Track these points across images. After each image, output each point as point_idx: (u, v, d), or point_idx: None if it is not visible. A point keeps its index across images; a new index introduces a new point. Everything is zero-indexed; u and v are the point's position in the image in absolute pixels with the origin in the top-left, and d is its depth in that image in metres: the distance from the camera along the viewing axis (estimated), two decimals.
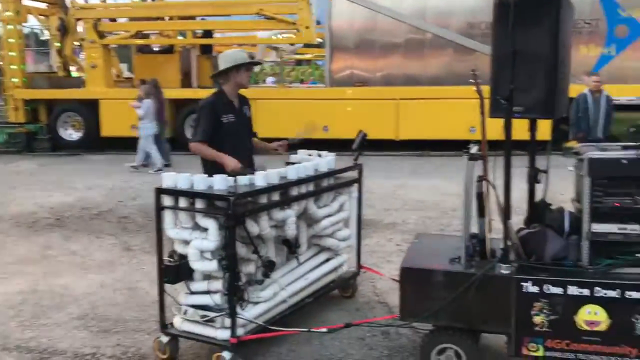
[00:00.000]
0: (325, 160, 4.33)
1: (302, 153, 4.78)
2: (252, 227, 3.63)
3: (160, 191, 3.64)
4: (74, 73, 16.92)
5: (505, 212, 3.17)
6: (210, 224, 3.48)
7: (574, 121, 8.97)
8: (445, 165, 11.84)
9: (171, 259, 3.73)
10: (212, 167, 4.14)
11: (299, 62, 31.15)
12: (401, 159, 12.69)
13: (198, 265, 3.56)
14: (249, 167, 4.30)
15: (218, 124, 4.14)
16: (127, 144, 13.02)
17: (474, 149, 3.42)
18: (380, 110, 13.24)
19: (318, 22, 15.93)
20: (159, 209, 3.66)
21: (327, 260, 4.55)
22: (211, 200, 3.52)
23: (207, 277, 3.68)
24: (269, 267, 3.79)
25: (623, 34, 12.50)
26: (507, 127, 3.09)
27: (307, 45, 21.30)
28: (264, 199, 3.70)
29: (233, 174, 3.64)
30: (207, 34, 16.45)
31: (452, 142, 12.89)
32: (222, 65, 4.25)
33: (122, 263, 5.89)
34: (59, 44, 15.42)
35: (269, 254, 3.89)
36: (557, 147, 3.84)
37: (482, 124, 3.31)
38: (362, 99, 13.43)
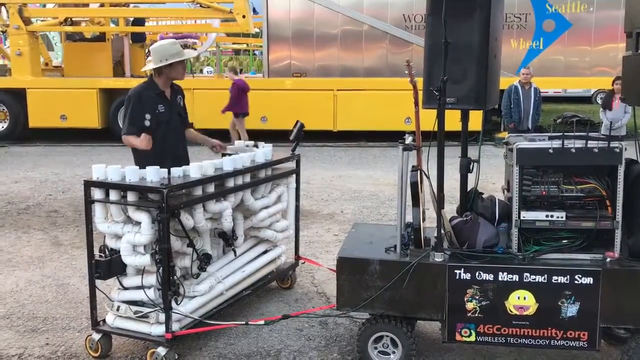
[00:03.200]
0: (262, 151, 4.29)
1: (239, 144, 4.72)
2: (187, 220, 3.56)
3: (89, 184, 3.51)
4: (1, 61, 16.14)
5: (439, 202, 3.23)
6: (143, 217, 3.38)
7: (506, 112, 9.27)
8: (381, 156, 12.00)
9: (102, 254, 3.62)
10: (144, 159, 4.04)
11: (237, 52, 30.85)
12: (339, 149, 12.77)
13: (130, 260, 3.46)
14: (183, 159, 4.22)
15: (146, 115, 4.02)
16: (57, 136, 12.56)
17: (408, 140, 3.46)
18: (318, 101, 13.26)
19: (255, 11, 15.80)
20: (89, 202, 3.53)
21: (265, 252, 4.52)
22: (143, 192, 3.42)
23: (141, 271, 3.58)
24: (204, 260, 3.73)
25: (550, 29, 12.99)
26: (440, 118, 3.15)
27: (245, 35, 21.08)
28: (198, 191, 3.63)
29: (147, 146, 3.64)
30: (139, 21, 15.99)
31: (388, 133, 13.12)
32: (155, 59, 4.13)
33: (51, 259, 5.66)
34: None
35: (204, 247, 3.82)
36: (489, 138, 3.94)
37: (416, 115, 3.35)
38: (300, 90, 13.42)
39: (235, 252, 4.15)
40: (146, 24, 16.34)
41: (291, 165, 4.65)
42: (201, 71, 26.62)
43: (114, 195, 3.47)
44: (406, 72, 3.26)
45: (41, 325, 4.16)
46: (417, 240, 3.41)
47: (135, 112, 4.05)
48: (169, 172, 3.58)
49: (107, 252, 3.62)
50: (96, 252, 3.62)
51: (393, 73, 13.24)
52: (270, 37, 13.79)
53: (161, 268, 3.39)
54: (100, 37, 15.17)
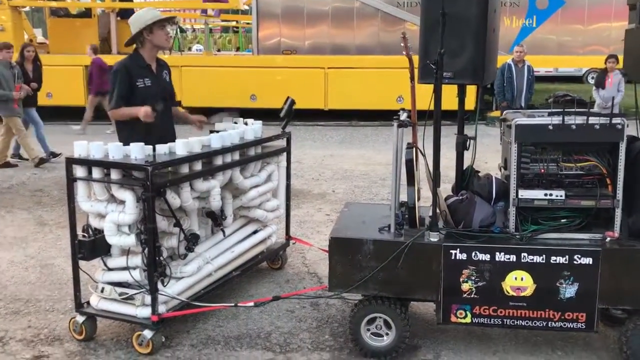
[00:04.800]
0: (252, 128, 4.15)
1: (227, 121, 4.57)
2: (173, 199, 3.43)
3: (71, 161, 3.36)
4: None
5: (435, 180, 3.12)
6: (127, 196, 3.25)
7: (499, 90, 9.15)
8: (373, 134, 11.88)
9: (85, 234, 3.49)
10: (129, 136, 3.89)
11: (225, 29, 30.39)
12: (330, 128, 12.63)
13: (115, 240, 3.33)
14: (169, 136, 4.07)
15: (133, 88, 3.86)
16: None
17: (403, 116, 3.34)
18: (308, 79, 13.07)
19: None
20: (71, 180, 3.39)
21: (255, 232, 4.41)
22: (127, 170, 3.29)
23: (126, 252, 3.47)
24: (192, 240, 3.61)
25: (543, 6, 12.82)
26: (437, 92, 3.02)
27: (234, 12, 20.73)
28: (185, 169, 3.50)
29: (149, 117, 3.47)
30: None
31: (380, 112, 12.97)
32: (134, 29, 3.97)
33: (35, 239, 5.52)
34: None
35: (192, 227, 3.70)
36: (482, 117, 3.83)
37: (412, 90, 3.22)
38: (290, 67, 13.21)
39: (224, 232, 4.03)
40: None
41: (282, 143, 4.52)
42: (190, 49, 26.21)
43: (96, 173, 3.33)
44: (402, 44, 3.12)
45: (23, 308, 4.04)
46: (411, 219, 3.30)
47: (123, 85, 3.89)
48: (154, 149, 3.44)
49: (90, 232, 3.49)
50: (79, 232, 3.49)
51: (385, 51, 13.06)
52: (260, 13, 13.54)
53: (146, 249, 3.27)
54: (86, 13, 14.84)
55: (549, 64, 16.35)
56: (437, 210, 3.21)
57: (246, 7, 16.40)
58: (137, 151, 3.33)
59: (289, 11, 13.48)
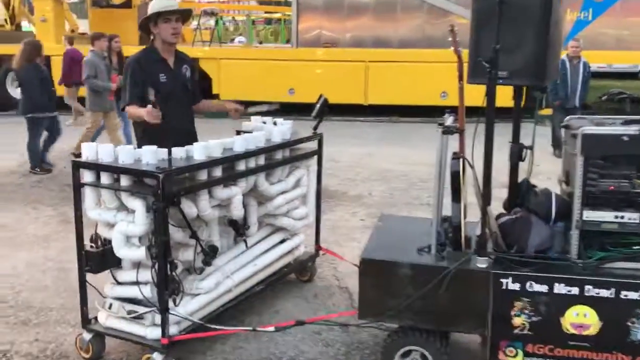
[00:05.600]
0: (280, 130, 3.79)
1: (255, 120, 4.22)
2: (189, 208, 3.09)
3: (78, 165, 3.06)
4: (29, 27, 15.87)
5: (485, 196, 2.69)
6: (137, 204, 2.93)
7: (552, 88, 8.53)
8: (414, 132, 11.37)
9: (94, 244, 3.19)
10: (143, 135, 3.59)
11: (269, 21, 30.13)
12: (369, 124, 12.18)
13: (123, 252, 3.02)
14: (188, 137, 3.74)
15: (146, 84, 3.54)
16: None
17: (449, 120, 2.92)
18: (348, 73, 12.64)
19: None
20: (78, 185, 3.08)
21: (282, 241, 4.05)
22: (138, 176, 2.96)
23: (137, 265, 3.15)
24: (210, 253, 3.27)
25: None
26: (490, 95, 2.59)
27: (277, 3, 20.42)
28: (203, 175, 3.15)
29: (154, 118, 3.17)
30: None
31: (423, 107, 12.45)
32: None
33: (57, 239, 5.30)
34: None
35: (211, 238, 3.37)
36: (530, 115, 3.35)
37: (460, 91, 2.79)
38: (330, 61, 12.79)
39: (246, 243, 3.68)
40: None
41: (312, 145, 4.14)
42: (232, 40, 26.04)
43: (105, 178, 3.02)
44: (449, 39, 2.69)
45: (33, 317, 3.78)
46: (456, 240, 2.88)
47: (137, 80, 3.57)
48: (169, 153, 3.11)
49: (99, 242, 3.19)
50: (87, 241, 3.20)
51: (429, 44, 12.52)
52: (300, 5, 13.16)
53: (157, 264, 2.94)
54: (127, 4, 14.74)
55: (604, 60, 15.47)
56: (487, 231, 2.77)
57: None
58: (149, 155, 3.00)
59: (330, 3, 13.07)
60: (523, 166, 3.06)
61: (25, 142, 7.94)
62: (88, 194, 3.08)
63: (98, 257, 3.15)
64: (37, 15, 13.82)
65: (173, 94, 3.69)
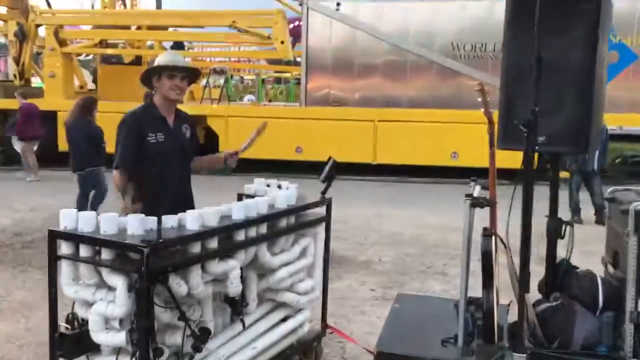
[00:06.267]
0: (284, 194, 3.44)
1: (259, 183, 3.88)
2: (179, 286, 2.71)
3: (54, 235, 2.70)
4: (39, 83, 15.88)
5: (522, 282, 2.30)
6: (119, 282, 2.55)
7: None
8: (424, 193, 11.03)
9: (69, 325, 2.79)
10: (148, 200, 3.26)
11: (278, 80, 30.36)
12: (378, 184, 11.86)
13: (101, 337, 2.62)
14: (184, 202, 3.40)
15: (143, 143, 3.23)
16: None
17: (476, 190, 2.56)
18: (357, 132, 12.45)
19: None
20: (53, 258, 2.72)
21: (285, 319, 3.63)
22: (121, 250, 2.60)
23: (117, 350, 2.74)
24: (201, 336, 2.86)
25: (613, 60, 11.89)
26: (527, 163, 2.23)
27: (287, 63, 20.52)
28: (196, 248, 2.78)
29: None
30: (178, 45, 15.57)
31: (433, 168, 12.15)
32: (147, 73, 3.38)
33: (41, 307, 4.82)
34: (16, 51, 14.33)
35: (203, 318, 2.96)
36: (543, 178, 2.97)
37: (491, 158, 2.45)
38: (339, 120, 12.61)
39: (244, 324, 3.26)
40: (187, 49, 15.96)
41: (320, 211, 3.78)
42: (241, 99, 26.16)
43: (84, 250, 2.65)
44: (479, 99, 2.37)
45: None
46: (486, 330, 2.47)
47: (130, 139, 3.27)
48: (159, 222, 2.76)
49: (75, 323, 2.80)
50: (62, 322, 2.80)
51: (439, 104, 12.35)
52: (310, 65, 13.09)
53: (137, 352, 2.53)
54: (136, 61, 14.77)
55: (615, 122, 15.24)
56: (524, 321, 2.37)
57: (297, 59, 16.05)
58: (136, 225, 2.64)
59: (339, 63, 13.00)
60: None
61: (20, 202, 7.63)
62: (65, 268, 2.71)
63: (73, 341, 2.75)
64: (46, 70, 13.82)
65: (169, 156, 3.37)
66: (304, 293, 3.67)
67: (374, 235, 7.57)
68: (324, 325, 3.93)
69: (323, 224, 3.79)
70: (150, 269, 2.46)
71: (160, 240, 2.56)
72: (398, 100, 12.74)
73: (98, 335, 2.62)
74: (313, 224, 3.69)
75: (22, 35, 13.94)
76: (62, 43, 13.69)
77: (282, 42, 12.60)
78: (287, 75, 25.09)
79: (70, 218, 2.69)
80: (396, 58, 12.72)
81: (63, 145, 13.19)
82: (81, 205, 7.24)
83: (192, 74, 3.44)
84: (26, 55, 14.26)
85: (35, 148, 12.32)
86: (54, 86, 13.69)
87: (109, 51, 14.72)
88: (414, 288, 5.47)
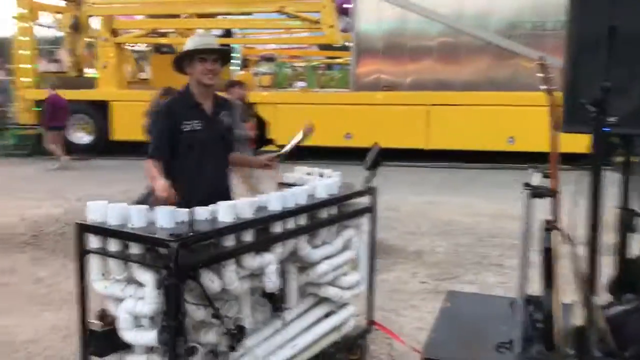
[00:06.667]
0: (325, 184, 3.23)
1: (299, 171, 3.69)
2: (212, 282, 2.55)
3: (82, 228, 2.58)
4: (93, 73, 16.18)
5: (590, 283, 2.02)
6: (148, 278, 2.41)
7: None
8: (479, 179, 10.63)
9: (100, 321, 2.68)
10: (182, 194, 3.12)
11: (329, 66, 30.11)
12: (430, 171, 11.51)
13: (130, 335, 2.50)
14: (222, 192, 3.24)
15: (177, 132, 3.09)
16: (139, 149, 12.21)
17: (536, 177, 2.28)
18: (409, 117, 12.11)
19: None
20: (82, 252, 2.61)
21: (328, 315, 3.44)
22: (149, 244, 2.45)
23: (149, 349, 2.61)
24: (236, 334, 2.70)
25: None
26: (598, 147, 1.95)
27: (338, 49, 20.22)
28: (230, 241, 2.62)
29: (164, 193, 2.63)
30: (227, 33, 15.55)
31: (488, 153, 11.69)
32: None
33: (92, 298, 4.86)
34: (70, 43, 14.63)
35: (240, 315, 2.80)
36: (606, 162, 2.63)
37: (552, 142, 2.17)
38: (390, 104, 12.30)
39: (283, 319, 3.09)
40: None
41: (365, 200, 3.56)
42: (291, 85, 26.06)
43: (113, 245, 2.53)
44: (539, 74, 2.09)
45: None
46: (547, 334, 2.20)
47: (163, 129, 3.13)
48: (192, 214, 2.61)
49: (106, 319, 2.68)
50: (93, 319, 2.70)
51: (495, 87, 11.85)
52: (359, 49, 12.81)
53: (168, 351, 2.39)
54: None
55: None
56: (591, 325, 2.09)
57: (347, 44, 15.77)
58: (166, 217, 2.49)
59: (390, 46, 12.66)
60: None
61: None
62: (93, 262, 2.60)
63: (104, 338, 2.63)
64: (100, 61, 14.04)
65: (206, 145, 3.21)
66: (348, 287, 3.47)
67: (425, 224, 7.29)
68: (370, 321, 3.72)
69: (368, 215, 3.57)
70: (179, 264, 2.31)
71: (190, 234, 2.39)
72: (452, 83, 12.31)
73: (127, 333, 2.50)
74: (357, 215, 3.48)
75: (77, 27, 14.20)
76: (114, 33, 13.86)
77: (331, 27, 12.34)
78: (340, 61, 24.83)
79: (98, 210, 2.56)
80: (450, 40, 12.28)
81: (117, 134, 13.48)
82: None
83: (224, 56, 3.26)
84: (80, 47, 14.53)
85: (60, 137, 12.65)
86: (106, 76, 13.91)
87: (160, 40, 14.81)
88: (467, 280, 5.19)
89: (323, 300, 3.42)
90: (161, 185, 2.75)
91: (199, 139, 3.14)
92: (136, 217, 2.49)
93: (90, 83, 14.85)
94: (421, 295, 4.83)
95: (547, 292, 2.17)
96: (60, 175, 11.44)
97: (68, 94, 14.17)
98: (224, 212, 2.63)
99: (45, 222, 7.41)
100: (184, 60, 3.20)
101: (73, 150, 14.08)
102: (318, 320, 3.36)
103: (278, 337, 3.06)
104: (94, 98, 13.76)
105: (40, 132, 14.40)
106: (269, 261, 2.79)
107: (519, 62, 11.83)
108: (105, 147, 13.72)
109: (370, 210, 3.57)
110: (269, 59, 15.42)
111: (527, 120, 11.58)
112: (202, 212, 2.64)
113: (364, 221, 3.54)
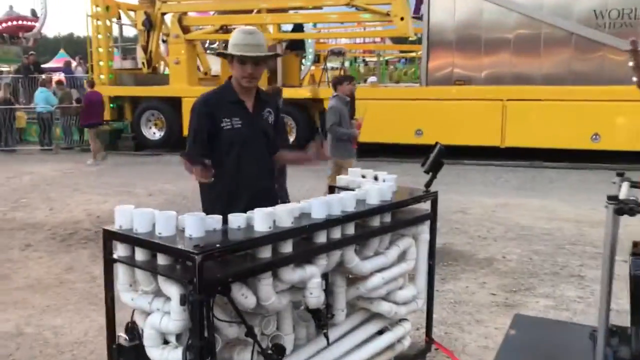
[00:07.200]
0: (377, 188, 2.91)
1: (353, 173, 3.40)
2: (245, 298, 2.30)
3: (109, 235, 2.40)
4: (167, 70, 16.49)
5: None
6: (173, 292, 2.19)
7: None
8: (559, 180, 9.93)
9: (129, 335, 2.50)
10: (208, 194, 2.91)
11: (404, 61, 29.50)
12: (506, 170, 10.87)
13: (156, 354, 2.29)
14: (266, 195, 3.00)
15: (215, 130, 2.86)
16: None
17: (623, 189, 1.88)
18: (483, 112, 11.51)
19: (420, 18, 14.36)
20: (109, 261, 2.42)
21: (381, 332, 3.13)
22: (174, 255, 2.23)
23: None
24: (273, 354, 2.45)
25: None
26: None
27: (411, 42, 19.69)
28: (266, 252, 2.36)
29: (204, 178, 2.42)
30: (298, 27, 15.41)
31: (570, 151, 10.94)
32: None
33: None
34: (144, 40, 14.91)
35: (279, 331, 2.55)
36: None
37: None
38: (463, 99, 11.74)
39: (327, 338, 2.81)
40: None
41: (424, 207, 3.22)
42: (365, 81, 25.71)
43: (139, 254, 2.33)
44: (631, 63, 1.70)
45: None
46: None
47: (202, 126, 2.91)
48: (225, 221, 2.38)
49: (136, 333, 2.50)
50: (121, 332, 2.52)
51: (578, 81, 11.07)
52: (431, 42, 12.29)
53: None
54: None
55: None
56: None
57: (418, 36, 15.27)
58: (195, 225, 2.26)
59: (464, 39, 12.07)
60: None
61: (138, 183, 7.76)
62: (121, 271, 2.42)
63: (132, 353, 2.44)
64: (171, 57, 14.23)
65: (248, 144, 2.96)
66: (404, 303, 3.15)
67: (497, 228, 6.80)
68: (429, 339, 3.37)
69: (427, 222, 3.23)
70: (205, 278, 2.08)
71: (217, 246, 2.15)
72: (530, 77, 11.59)
73: (152, 351, 2.29)
74: (414, 223, 3.14)
75: (150, 24, 14.46)
76: (185, 30, 13.99)
77: (402, 19, 11.90)
78: (413, 55, 24.21)
79: (125, 216, 2.37)
80: (528, 31, 11.56)
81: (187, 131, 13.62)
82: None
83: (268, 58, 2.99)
84: (153, 44, 14.78)
85: (96, 133, 13.01)
86: (178, 73, 14.07)
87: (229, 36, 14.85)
88: (543, 293, 4.72)
89: (375, 316, 3.11)
90: (197, 170, 2.54)
91: (239, 138, 2.90)
92: (163, 224, 2.28)
93: (163, 80, 15.10)
94: (489, 309, 4.42)
95: (637, 327, 1.78)
96: (132, 170, 11.64)
97: (140, 91, 14.52)
98: (260, 220, 2.38)
99: (109, 217, 7.35)
100: (225, 57, 2.96)
101: (146, 145, 14.41)
102: (369, 338, 3.06)
103: (324, 355, 2.78)
104: (165, 94, 13.96)
105: (112, 127, 14.86)
106: (311, 274, 2.52)
107: (605, 53, 11.01)
108: (177, 143, 13.88)
109: (430, 217, 3.22)
110: (338, 53, 15.12)
111: (614, 116, 10.78)
112: (236, 220, 2.40)
113: (423, 229, 3.20)
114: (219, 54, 3.08)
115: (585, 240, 6.19)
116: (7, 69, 22.84)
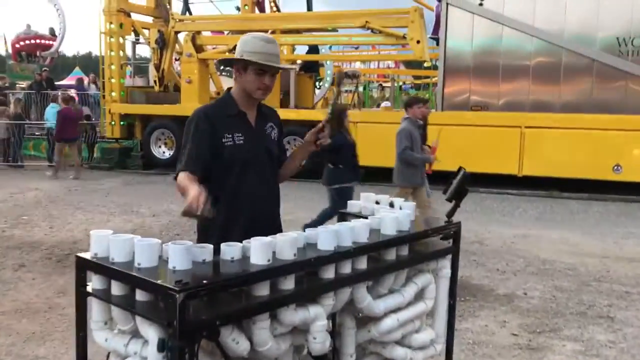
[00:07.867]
0: (392, 218, 2.57)
1: (366, 199, 3.05)
2: (236, 344, 1.96)
3: (82, 264, 2.07)
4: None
5: None
6: (152, 335, 1.85)
7: None
8: (581, 212, 9.51)
9: None
10: (201, 223, 2.59)
11: (417, 87, 29.34)
12: (524, 200, 10.48)
13: None
14: (269, 218, 2.67)
15: (215, 147, 2.54)
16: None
17: None
18: (500, 139, 11.17)
19: (437, 42, 14.11)
20: (82, 294, 2.09)
21: None
22: (152, 292, 1.90)
23: None
24: None
25: None
26: None
27: (426, 68, 19.47)
28: (263, 290, 2.02)
29: (197, 206, 2.05)
30: (313, 50, 15.23)
31: (590, 182, 10.54)
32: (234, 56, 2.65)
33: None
34: (157, 58, 14.76)
35: None
36: None
37: None
38: (479, 125, 11.40)
39: None
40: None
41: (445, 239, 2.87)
42: (378, 105, 25.46)
43: (115, 288, 2.00)
44: None
45: None
46: None
47: (200, 140, 2.60)
48: (217, 252, 2.05)
49: None
50: None
51: (599, 109, 10.71)
52: (448, 68, 12.00)
53: None
54: None
55: None
56: None
57: (433, 62, 15.01)
58: (181, 256, 1.93)
59: (481, 65, 11.77)
60: None
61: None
62: (95, 306, 2.08)
63: None
64: (184, 76, 14.06)
65: (250, 161, 2.64)
66: (420, 347, 2.77)
67: (517, 261, 6.40)
68: None
69: (449, 257, 2.87)
70: (187, 320, 1.74)
71: (204, 282, 1.81)
72: (549, 104, 11.25)
73: None
74: (434, 257, 2.78)
75: (162, 43, 14.33)
76: (198, 49, 13.83)
77: (418, 42, 11.65)
78: (428, 80, 24.01)
79: (101, 242, 2.04)
80: (548, 59, 11.24)
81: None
82: (323, 219, 6.46)
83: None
84: (166, 62, 14.64)
85: (67, 149, 13.21)
86: (190, 92, 13.87)
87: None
88: (570, 336, 4.32)
89: None
90: (195, 193, 2.16)
91: (241, 155, 2.57)
92: (143, 254, 1.95)
93: (174, 98, 14.92)
94: (511, 352, 4.04)
95: None
96: (138, 189, 11.38)
97: (151, 109, 14.33)
98: (257, 251, 2.04)
99: None
100: (236, 64, 2.64)
101: (155, 164, 14.17)
102: None
103: None
104: (176, 113, 13.76)
105: (121, 145, 14.69)
106: (315, 316, 2.17)
107: (628, 82, 10.68)
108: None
109: (452, 250, 2.87)
110: (352, 75, 14.89)
111: (636, 146, 10.39)
112: (229, 251, 2.07)
113: (445, 264, 2.84)
114: (228, 61, 2.75)
115: (612, 278, 5.79)
116: (23, 85, 22.88)
